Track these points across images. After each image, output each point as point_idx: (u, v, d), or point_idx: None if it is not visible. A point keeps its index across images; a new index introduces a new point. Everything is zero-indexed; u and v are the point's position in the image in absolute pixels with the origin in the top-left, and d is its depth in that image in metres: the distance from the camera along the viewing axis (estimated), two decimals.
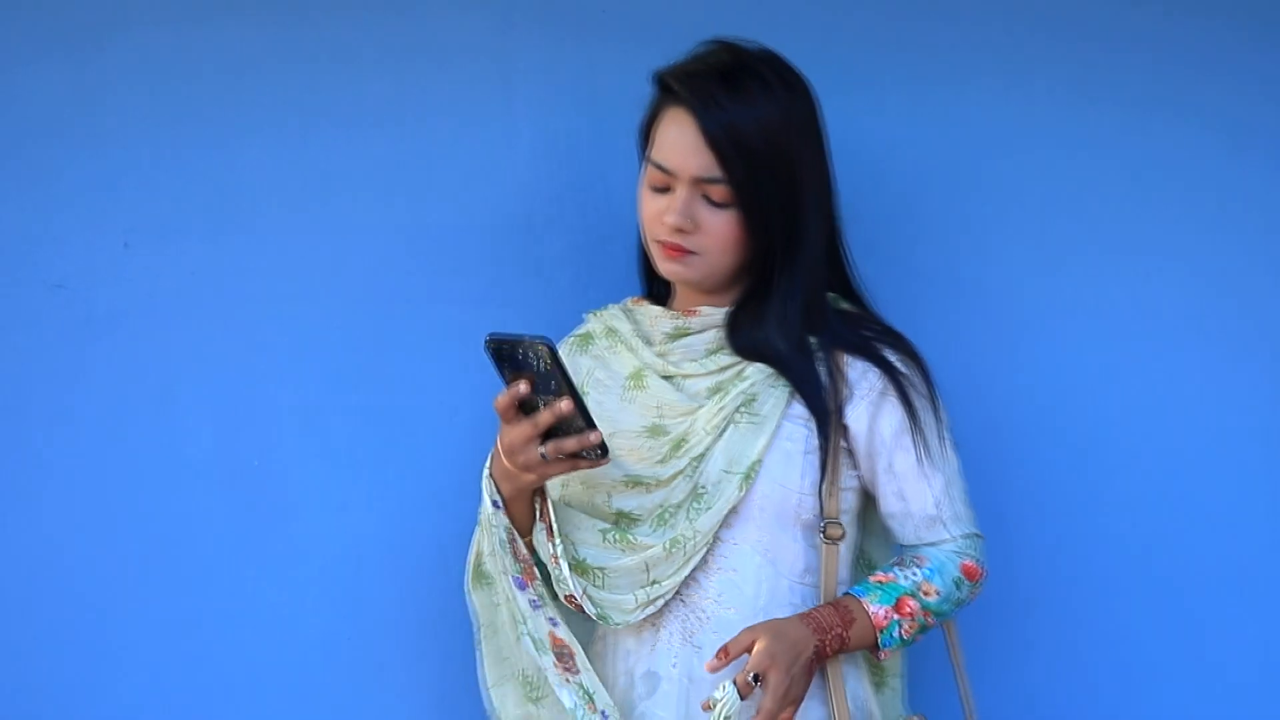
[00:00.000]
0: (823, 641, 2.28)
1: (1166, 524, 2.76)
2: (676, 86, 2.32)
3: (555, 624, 2.34)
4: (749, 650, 2.26)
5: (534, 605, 2.35)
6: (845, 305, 2.42)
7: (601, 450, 2.22)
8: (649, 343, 2.41)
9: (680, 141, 2.31)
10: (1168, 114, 2.73)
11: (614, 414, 2.37)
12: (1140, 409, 2.76)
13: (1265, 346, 2.75)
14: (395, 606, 2.69)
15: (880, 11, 2.72)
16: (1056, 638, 2.75)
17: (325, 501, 2.69)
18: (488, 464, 2.34)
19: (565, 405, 2.18)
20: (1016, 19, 2.72)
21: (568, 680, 2.33)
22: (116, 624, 2.68)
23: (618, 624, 2.32)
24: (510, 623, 2.39)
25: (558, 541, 2.31)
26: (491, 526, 2.34)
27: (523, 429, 2.22)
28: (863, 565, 2.47)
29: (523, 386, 2.19)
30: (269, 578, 2.69)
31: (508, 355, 2.19)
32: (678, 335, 2.39)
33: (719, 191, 2.31)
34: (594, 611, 2.32)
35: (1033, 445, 2.76)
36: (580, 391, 2.24)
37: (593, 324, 2.47)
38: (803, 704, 2.30)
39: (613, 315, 2.46)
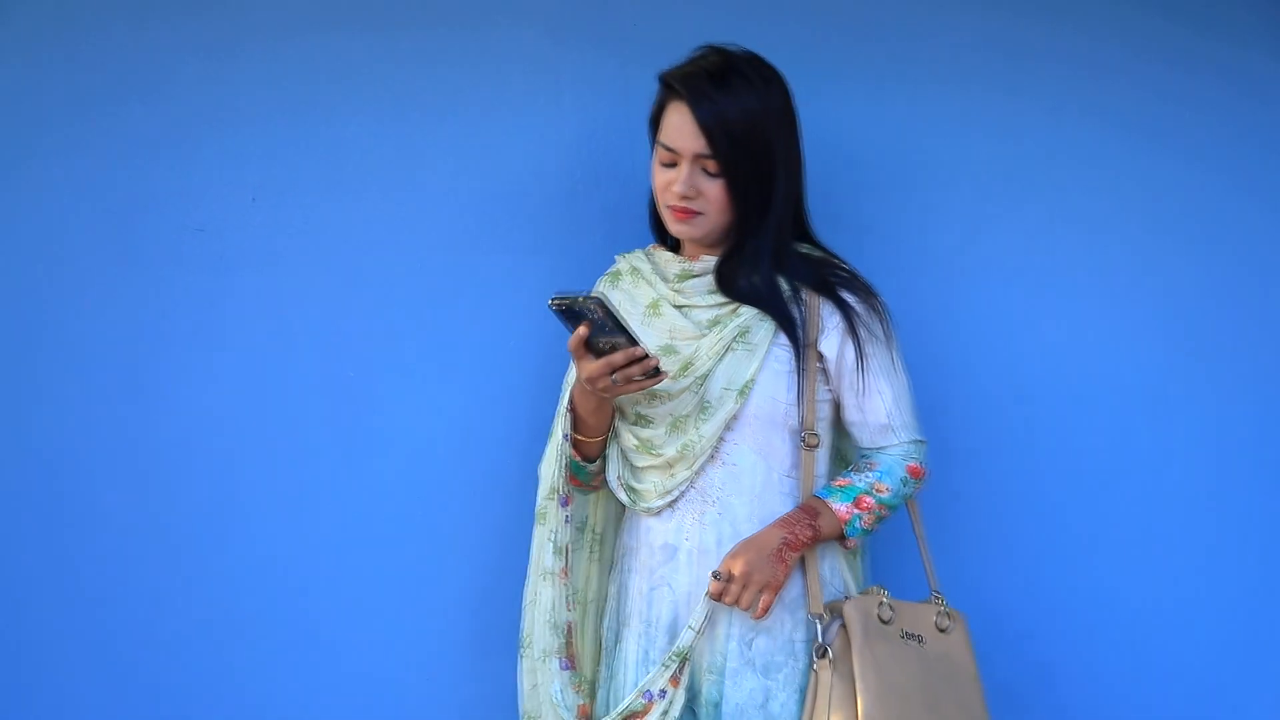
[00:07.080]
0: (791, 533, 2.55)
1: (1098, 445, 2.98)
2: (676, 85, 2.59)
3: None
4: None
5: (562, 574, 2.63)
6: (805, 248, 2.65)
7: (656, 370, 2.51)
8: (664, 280, 2.68)
9: (682, 128, 2.57)
10: (1082, 112, 2.94)
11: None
12: (1067, 360, 2.97)
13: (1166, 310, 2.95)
14: (471, 542, 2.90)
15: (862, 15, 2.90)
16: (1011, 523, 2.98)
17: (408, 417, 2.91)
18: (565, 399, 2.62)
19: (638, 350, 2.45)
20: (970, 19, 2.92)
21: (567, 668, 2.63)
22: (242, 517, 2.88)
23: (646, 508, 2.63)
24: (535, 603, 2.67)
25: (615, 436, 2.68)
26: (558, 455, 2.65)
27: (599, 366, 2.49)
28: (839, 462, 2.73)
29: (582, 330, 2.46)
30: (360, 484, 2.90)
31: (568, 310, 2.45)
32: (685, 277, 2.67)
33: (712, 165, 2.57)
34: (627, 500, 2.64)
35: (978, 376, 2.97)
36: (628, 326, 2.49)
37: (621, 264, 2.74)
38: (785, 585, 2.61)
39: (636, 257, 2.73)
